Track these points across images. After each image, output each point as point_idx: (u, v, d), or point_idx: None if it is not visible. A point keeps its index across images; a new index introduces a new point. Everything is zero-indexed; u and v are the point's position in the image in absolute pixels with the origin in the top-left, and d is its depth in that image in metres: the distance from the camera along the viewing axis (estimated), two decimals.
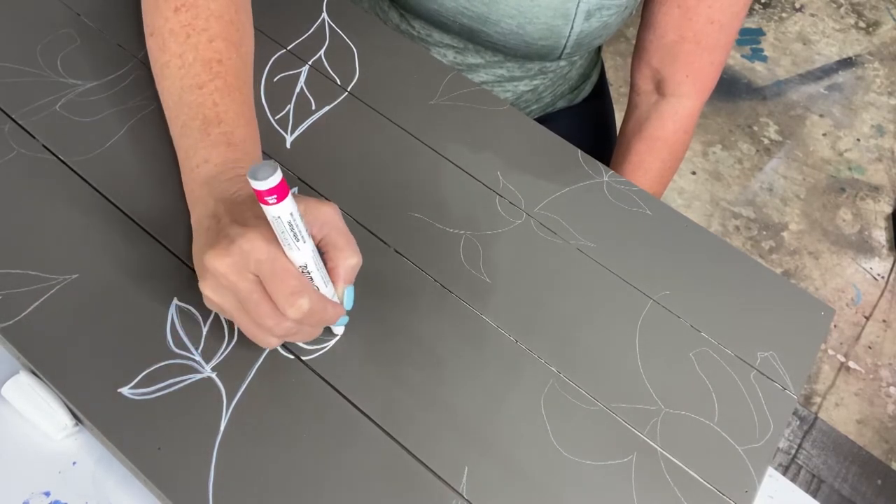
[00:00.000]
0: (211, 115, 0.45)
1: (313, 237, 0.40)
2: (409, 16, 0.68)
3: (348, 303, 0.43)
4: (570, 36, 0.62)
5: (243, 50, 0.49)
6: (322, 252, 0.41)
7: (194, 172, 0.44)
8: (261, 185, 0.33)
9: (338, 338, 0.45)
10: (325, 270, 0.40)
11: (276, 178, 0.34)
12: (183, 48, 0.46)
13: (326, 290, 0.41)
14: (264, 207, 0.35)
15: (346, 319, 0.44)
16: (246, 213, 0.40)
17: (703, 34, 0.63)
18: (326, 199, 0.50)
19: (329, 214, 0.40)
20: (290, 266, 0.38)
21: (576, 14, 0.60)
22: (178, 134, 0.46)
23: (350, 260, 0.41)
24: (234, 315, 0.39)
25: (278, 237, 0.37)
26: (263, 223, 0.38)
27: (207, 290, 0.39)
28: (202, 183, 0.43)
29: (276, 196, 0.34)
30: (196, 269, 0.42)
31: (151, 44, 0.48)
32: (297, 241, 0.37)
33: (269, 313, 0.38)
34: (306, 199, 0.41)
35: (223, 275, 0.38)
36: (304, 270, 0.39)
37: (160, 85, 0.48)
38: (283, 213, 0.35)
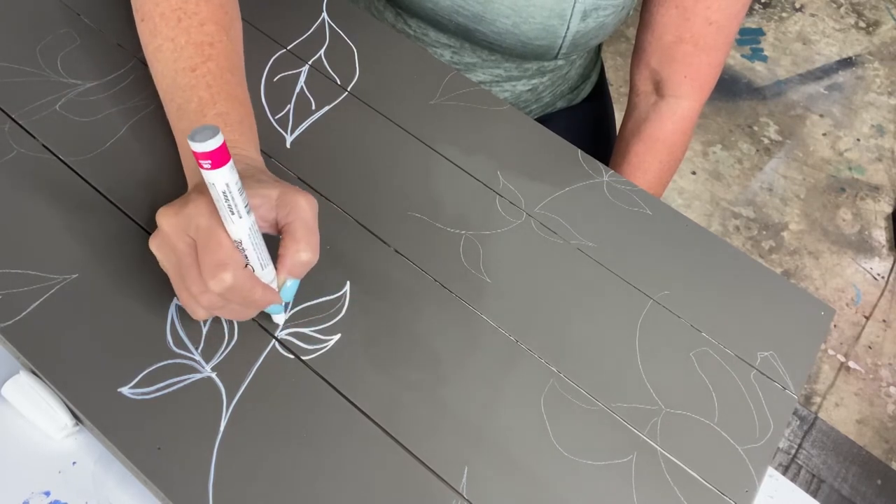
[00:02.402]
0: (206, 97, 0.45)
1: (278, 221, 0.41)
2: (404, 14, 0.68)
3: (288, 294, 0.42)
4: (566, 36, 0.62)
5: (233, 33, 0.50)
6: (282, 238, 0.41)
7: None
8: (197, 147, 0.34)
9: (338, 338, 0.45)
10: (265, 252, 0.40)
11: (214, 143, 0.34)
12: (175, 31, 0.47)
13: (263, 272, 0.41)
14: (202, 172, 0.35)
15: (279, 309, 0.43)
16: None
17: (701, 35, 0.63)
18: (327, 198, 0.50)
19: (300, 205, 0.40)
20: (224, 239, 0.38)
21: (572, 14, 0.60)
22: (174, 116, 0.47)
23: (301, 254, 0.40)
24: (170, 275, 0.40)
25: (216, 206, 0.37)
26: None
27: (153, 244, 0.40)
28: None
29: (210, 161, 0.34)
30: None
31: (143, 28, 0.48)
32: (232, 214, 0.37)
33: (196, 280, 0.38)
34: (285, 185, 0.41)
35: (166, 233, 0.39)
36: (240, 247, 0.38)
37: (153, 68, 0.48)
38: (218, 181, 0.35)
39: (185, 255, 0.38)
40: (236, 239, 0.38)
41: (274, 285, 0.42)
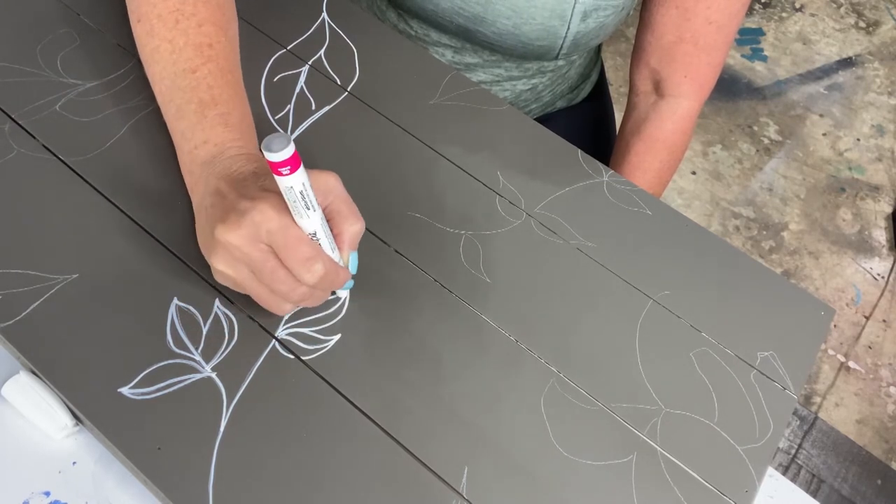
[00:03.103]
0: (206, 98, 0.45)
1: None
2: (406, 15, 0.68)
3: (353, 267, 0.44)
4: (566, 36, 0.62)
5: (230, 33, 0.50)
6: (327, 220, 0.42)
7: (193, 154, 0.45)
8: (275, 157, 0.35)
9: (338, 338, 0.45)
10: (331, 237, 0.42)
11: (290, 149, 0.35)
12: (173, 33, 0.47)
13: (333, 255, 0.43)
14: (277, 178, 0.36)
15: (351, 283, 0.46)
16: (251, 187, 0.41)
17: (701, 35, 0.63)
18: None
19: (332, 183, 0.42)
20: (301, 234, 0.39)
21: (572, 15, 0.60)
22: (173, 117, 0.47)
23: (354, 226, 0.43)
24: (248, 285, 0.41)
25: (290, 207, 0.38)
26: (271, 195, 0.39)
27: (220, 264, 0.40)
28: (202, 163, 0.44)
29: (289, 167, 0.36)
30: (204, 246, 0.43)
31: (139, 30, 0.48)
32: (308, 209, 0.38)
33: (285, 279, 0.40)
34: (309, 171, 0.42)
35: (236, 247, 0.39)
36: (314, 237, 0.40)
37: (150, 70, 0.48)
38: (296, 183, 0.37)
39: (266, 260, 0.39)
40: (311, 231, 0.40)
41: (341, 264, 0.43)
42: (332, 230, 0.42)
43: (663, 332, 0.48)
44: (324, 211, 0.42)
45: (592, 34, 0.64)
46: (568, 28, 0.61)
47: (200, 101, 0.45)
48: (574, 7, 0.60)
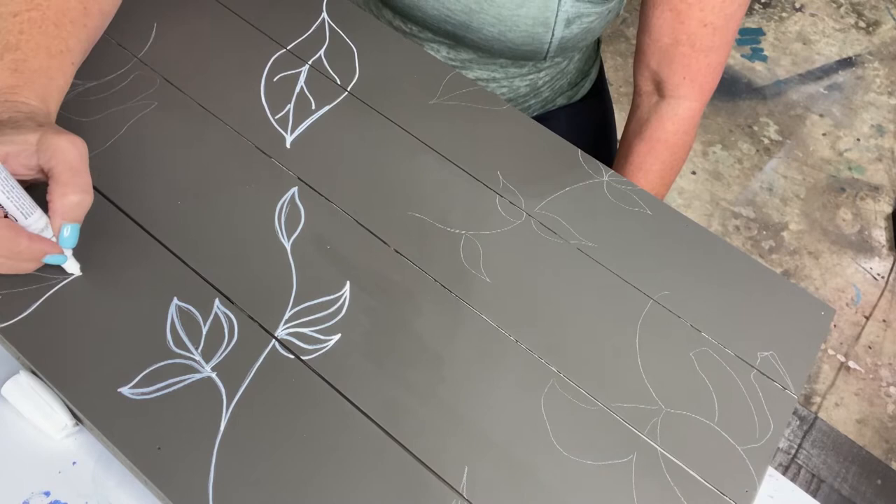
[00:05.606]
0: (12, 42, 0.45)
1: (41, 167, 0.40)
2: (399, 16, 0.68)
3: (66, 241, 0.41)
4: (551, 42, 0.63)
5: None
6: (49, 185, 0.40)
7: None
8: None
9: (338, 338, 0.45)
10: (26, 200, 0.40)
11: None
12: None
13: (28, 221, 0.40)
14: None
15: (62, 258, 0.42)
16: None
17: (697, 37, 0.63)
18: (327, 198, 0.50)
19: (62, 147, 0.40)
20: None
21: (555, 22, 0.61)
22: None
23: (69, 197, 0.40)
24: None
25: None
26: None
27: None
28: None
29: None
30: None
31: None
32: None
33: None
34: (48, 129, 0.40)
35: None
36: None
37: None
38: None
39: None
40: None
41: (47, 234, 0.41)
42: (47, 196, 0.40)
43: (663, 332, 0.48)
44: (47, 174, 0.40)
45: (579, 38, 0.64)
46: (552, 34, 0.62)
47: (6, 45, 0.44)
48: (557, 15, 0.60)
